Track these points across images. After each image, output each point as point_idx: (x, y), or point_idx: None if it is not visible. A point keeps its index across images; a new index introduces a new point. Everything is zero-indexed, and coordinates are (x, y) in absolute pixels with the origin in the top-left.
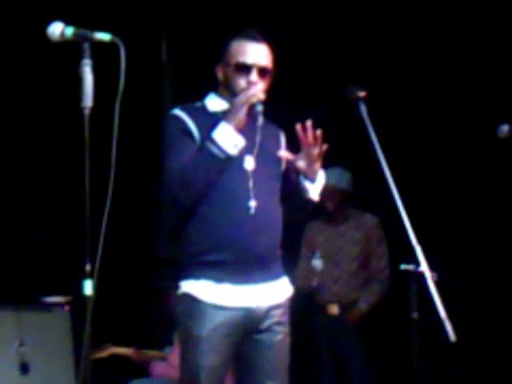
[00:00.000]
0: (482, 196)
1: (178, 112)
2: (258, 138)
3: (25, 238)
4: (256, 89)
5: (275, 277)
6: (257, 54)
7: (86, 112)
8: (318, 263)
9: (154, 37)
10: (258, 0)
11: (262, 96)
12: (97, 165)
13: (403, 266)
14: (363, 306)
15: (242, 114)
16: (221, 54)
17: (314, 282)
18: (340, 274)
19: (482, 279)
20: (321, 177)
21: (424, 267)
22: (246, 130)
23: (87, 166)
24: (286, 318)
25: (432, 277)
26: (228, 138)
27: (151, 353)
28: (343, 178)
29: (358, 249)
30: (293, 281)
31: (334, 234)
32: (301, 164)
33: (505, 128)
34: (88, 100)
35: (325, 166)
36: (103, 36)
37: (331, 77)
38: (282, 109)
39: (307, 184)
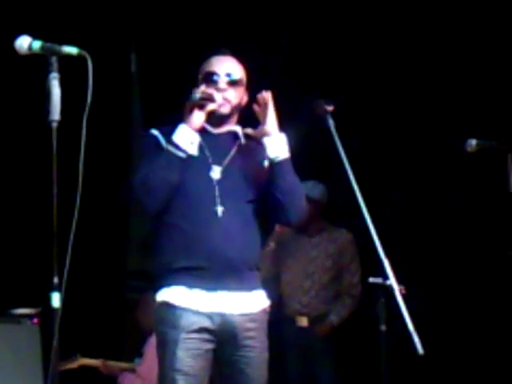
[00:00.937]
0: (451, 209)
1: (153, 130)
2: (232, 152)
3: None
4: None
5: (250, 288)
6: (223, 64)
7: (54, 125)
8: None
9: (124, 49)
10: (228, 12)
11: (202, 88)
12: (65, 177)
13: (372, 279)
14: (335, 319)
15: (189, 111)
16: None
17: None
18: (311, 285)
19: (450, 292)
20: (280, 135)
21: (392, 280)
22: (221, 143)
23: (55, 179)
24: (260, 333)
25: (400, 290)
26: (184, 136)
27: (120, 364)
28: (316, 189)
29: (330, 262)
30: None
31: (307, 245)
32: (258, 128)
33: (472, 142)
34: (56, 113)
35: (300, 180)
36: (71, 49)
37: (300, 91)
38: (254, 122)
39: (264, 140)
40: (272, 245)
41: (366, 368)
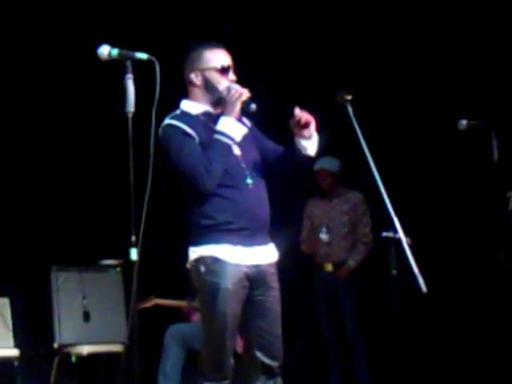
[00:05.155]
0: (448, 178)
1: (173, 121)
2: None
3: (87, 215)
4: (243, 89)
5: (269, 241)
6: (229, 56)
7: (130, 116)
8: (324, 237)
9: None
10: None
11: (249, 94)
12: (139, 158)
13: (384, 233)
14: (352, 263)
15: (237, 106)
16: (189, 63)
17: (322, 251)
18: (333, 237)
19: (451, 240)
20: (315, 136)
21: (400, 233)
22: None
23: (131, 159)
24: (277, 276)
25: (407, 241)
26: (233, 127)
27: (183, 303)
28: (334, 163)
29: (346, 218)
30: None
31: (328, 207)
32: (297, 131)
33: (463, 122)
34: (131, 106)
35: (320, 155)
36: (141, 55)
37: (324, 83)
38: (281, 111)
39: (304, 142)
40: (307, 225)
41: (381, 304)
